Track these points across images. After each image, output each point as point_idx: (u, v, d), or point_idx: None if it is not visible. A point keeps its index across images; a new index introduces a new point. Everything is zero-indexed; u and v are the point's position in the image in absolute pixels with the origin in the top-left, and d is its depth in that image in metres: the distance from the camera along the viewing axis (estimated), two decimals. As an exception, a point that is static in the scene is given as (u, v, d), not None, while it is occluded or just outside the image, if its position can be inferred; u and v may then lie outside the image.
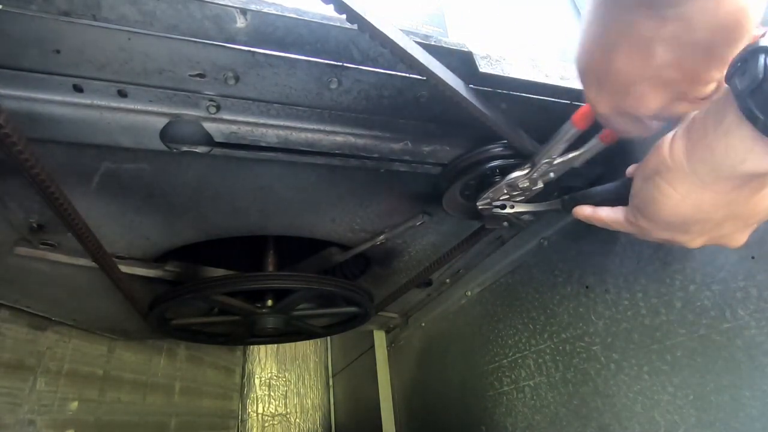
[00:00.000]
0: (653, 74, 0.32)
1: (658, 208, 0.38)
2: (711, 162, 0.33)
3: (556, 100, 0.48)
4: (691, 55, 0.31)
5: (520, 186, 0.50)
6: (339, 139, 0.49)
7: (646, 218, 0.40)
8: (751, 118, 0.29)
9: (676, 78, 0.32)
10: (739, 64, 0.30)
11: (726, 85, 0.31)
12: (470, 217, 0.57)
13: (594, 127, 0.43)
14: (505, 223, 0.55)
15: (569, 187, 0.53)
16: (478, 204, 0.53)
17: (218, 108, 0.44)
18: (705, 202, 0.36)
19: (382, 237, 0.74)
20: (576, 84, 0.47)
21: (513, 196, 0.52)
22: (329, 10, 0.34)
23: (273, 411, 1.79)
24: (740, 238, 0.40)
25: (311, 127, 0.48)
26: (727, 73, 0.31)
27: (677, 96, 0.34)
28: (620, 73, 0.33)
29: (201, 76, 0.40)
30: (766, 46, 0.28)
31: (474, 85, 0.44)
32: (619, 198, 0.44)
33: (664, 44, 0.30)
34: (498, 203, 0.53)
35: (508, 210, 0.53)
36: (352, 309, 0.90)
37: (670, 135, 0.36)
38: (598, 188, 0.47)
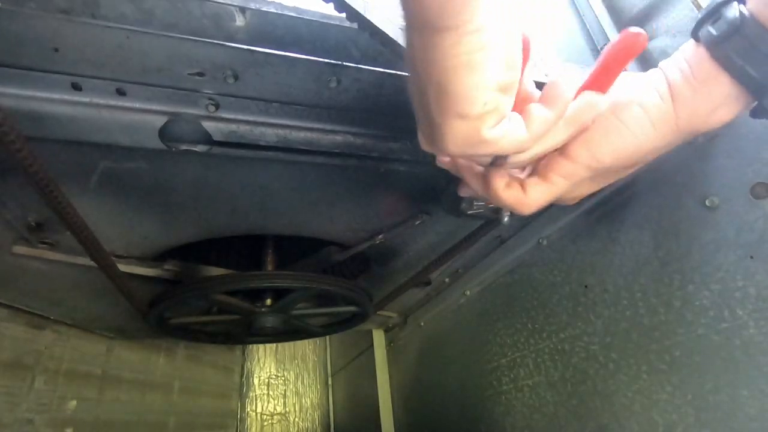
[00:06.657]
0: None
1: (622, 142, 0.34)
2: (693, 109, 0.32)
3: (556, 99, 0.48)
4: None
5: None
6: (338, 138, 0.49)
7: (593, 154, 0.35)
8: (728, 67, 0.30)
9: None
10: (711, 11, 0.31)
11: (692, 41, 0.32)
12: (469, 216, 0.57)
13: None
14: (506, 218, 0.55)
15: None
16: (468, 212, 0.53)
17: (217, 107, 0.44)
18: (655, 148, 0.35)
19: (381, 236, 0.74)
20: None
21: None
22: (329, 9, 0.34)
23: (272, 410, 1.79)
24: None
25: (310, 125, 0.48)
26: (695, 27, 0.32)
27: None
28: None
29: (200, 74, 0.40)
30: None
31: (473, 84, 0.44)
32: None
33: None
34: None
35: None
36: (351, 308, 0.90)
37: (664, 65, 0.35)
38: None
